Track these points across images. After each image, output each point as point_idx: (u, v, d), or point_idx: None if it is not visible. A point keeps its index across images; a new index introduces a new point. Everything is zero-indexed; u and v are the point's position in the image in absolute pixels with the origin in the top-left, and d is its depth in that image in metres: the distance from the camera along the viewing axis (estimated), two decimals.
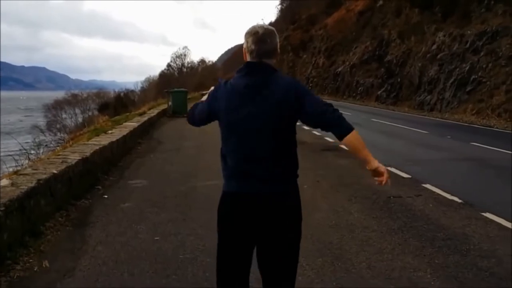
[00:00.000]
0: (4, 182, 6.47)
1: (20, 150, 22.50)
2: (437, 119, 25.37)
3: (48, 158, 8.80)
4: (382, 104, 36.54)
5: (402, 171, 10.43)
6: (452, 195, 8.29)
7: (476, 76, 25.83)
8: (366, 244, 5.87)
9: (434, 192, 8.59)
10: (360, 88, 43.83)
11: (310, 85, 62.28)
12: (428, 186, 9.03)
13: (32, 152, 15.65)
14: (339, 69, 51.41)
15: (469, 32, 27.84)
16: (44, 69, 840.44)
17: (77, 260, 5.39)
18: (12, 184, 6.23)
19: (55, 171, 7.20)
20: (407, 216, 7.05)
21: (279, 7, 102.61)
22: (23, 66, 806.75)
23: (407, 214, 7.19)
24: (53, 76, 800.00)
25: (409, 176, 9.97)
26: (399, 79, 35.78)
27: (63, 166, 7.64)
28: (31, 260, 5.31)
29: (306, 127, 15.86)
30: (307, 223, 6.18)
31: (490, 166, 11.40)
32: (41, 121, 55.98)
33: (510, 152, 13.39)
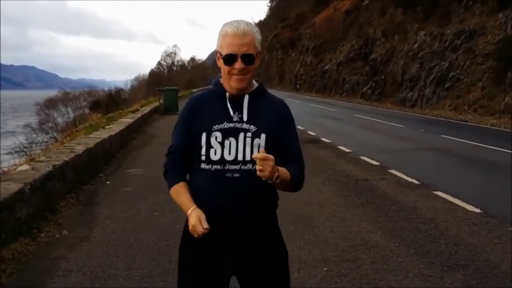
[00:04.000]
0: (24, 167, 7.58)
1: (14, 149, 23.53)
2: (417, 114, 26.47)
3: (57, 148, 9.90)
4: (367, 100, 37.58)
5: (373, 159, 11.64)
6: (412, 178, 9.49)
7: (454, 74, 26.93)
8: (332, 215, 7.04)
9: (397, 176, 9.79)
10: (346, 86, 44.82)
11: (299, 82, 63.36)
12: (393, 171, 10.21)
13: (26, 151, 16.70)
14: (326, 67, 52.34)
15: (448, 31, 28.94)
16: (33, 68, 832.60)
17: (90, 230, 6.51)
18: (32, 169, 7.33)
19: (66, 159, 8.29)
20: (370, 195, 8.24)
21: (269, 4, 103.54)
22: (12, 65, 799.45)
23: (371, 193, 8.38)
24: (42, 75, 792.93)
25: (378, 163, 11.17)
26: (383, 77, 36.85)
27: (72, 155, 8.72)
28: (52, 230, 6.42)
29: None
30: (285, 202, 7.35)
31: (451, 154, 12.62)
32: (33, 120, 56.63)
33: (472, 142, 14.63)
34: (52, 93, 70.51)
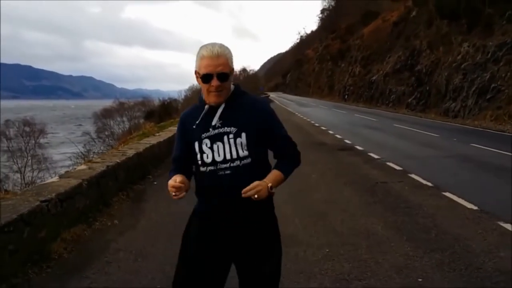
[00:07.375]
0: (82, 167, 8.87)
1: (73, 154, 25.17)
2: (457, 125, 26.81)
3: (111, 152, 11.20)
4: (412, 111, 38.04)
5: (397, 164, 12.52)
6: (427, 181, 10.37)
7: (496, 85, 27.30)
8: (344, 211, 8.05)
9: (414, 179, 10.68)
10: (392, 96, 45.32)
11: (347, 93, 64.00)
12: (412, 175, 11.08)
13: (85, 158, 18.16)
14: (374, 77, 52.89)
15: (490, 43, 29.27)
16: (91, 78, 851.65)
17: (137, 220, 7.71)
18: (89, 168, 8.59)
19: (118, 161, 9.52)
20: (384, 195, 9.20)
21: (320, 16, 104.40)
22: (70, 76, 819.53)
23: (385, 193, 9.33)
24: (99, 85, 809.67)
25: (401, 168, 12.04)
26: (427, 88, 37.26)
27: (124, 158, 9.95)
28: (105, 220, 7.63)
29: (331, 131, 18.15)
30: (307, 200, 8.41)
31: (471, 161, 13.34)
32: (92, 129, 58.99)
33: (496, 150, 15.26)
34: (109, 103, 72.80)
